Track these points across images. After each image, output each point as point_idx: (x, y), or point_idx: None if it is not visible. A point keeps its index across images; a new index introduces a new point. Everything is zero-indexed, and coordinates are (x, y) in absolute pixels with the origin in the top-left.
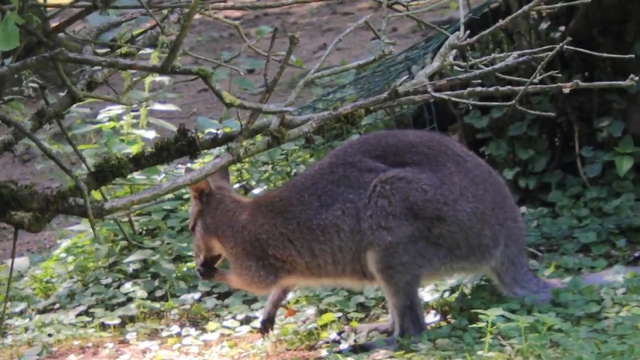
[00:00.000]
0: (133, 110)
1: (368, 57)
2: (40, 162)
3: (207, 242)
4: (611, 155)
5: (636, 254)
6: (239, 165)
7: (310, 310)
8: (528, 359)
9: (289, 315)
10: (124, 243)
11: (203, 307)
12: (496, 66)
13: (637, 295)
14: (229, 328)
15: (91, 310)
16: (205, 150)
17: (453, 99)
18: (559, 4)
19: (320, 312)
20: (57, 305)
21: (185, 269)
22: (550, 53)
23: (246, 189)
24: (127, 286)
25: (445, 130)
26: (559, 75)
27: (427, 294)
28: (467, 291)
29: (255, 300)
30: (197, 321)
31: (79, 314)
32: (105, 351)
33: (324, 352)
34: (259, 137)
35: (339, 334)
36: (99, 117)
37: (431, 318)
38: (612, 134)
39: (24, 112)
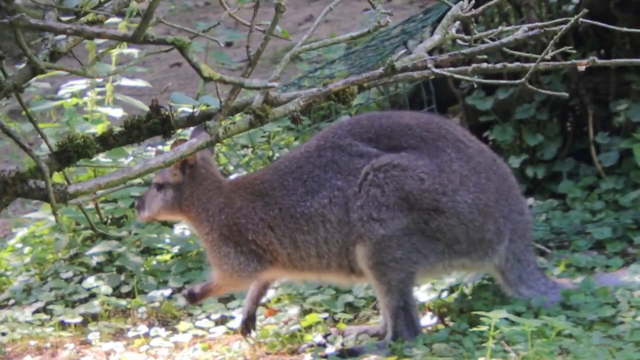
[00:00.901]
0: (98, 86)
1: (361, 29)
2: None
3: (171, 213)
4: (629, 142)
5: None
6: (215, 147)
7: (293, 310)
8: None
9: (269, 315)
10: (86, 233)
11: (174, 305)
12: (504, 40)
13: None
14: (202, 329)
15: (50, 307)
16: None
17: (455, 75)
18: None
19: (304, 312)
20: (11, 301)
21: (154, 262)
22: (564, 27)
23: (223, 175)
24: (90, 281)
25: (445, 112)
26: (573, 51)
27: (423, 293)
28: (467, 291)
29: (231, 298)
30: (167, 321)
31: (36, 311)
32: (64, 352)
33: (307, 357)
34: (238, 117)
35: (325, 336)
36: (60, 92)
37: (427, 320)
38: (630, 118)
39: None
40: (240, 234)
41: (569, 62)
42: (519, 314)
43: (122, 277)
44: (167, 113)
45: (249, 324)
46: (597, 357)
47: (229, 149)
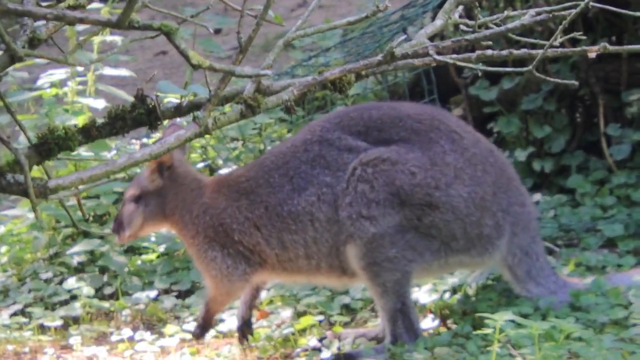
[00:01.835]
0: (79, 76)
1: (358, 15)
2: None
3: (155, 223)
4: None
5: None
6: (203, 140)
7: (287, 313)
8: None
9: (261, 317)
10: (67, 231)
11: (160, 308)
12: (509, 26)
13: None
14: (190, 332)
15: (28, 309)
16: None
17: (459, 63)
18: None
19: (298, 315)
20: None
21: (139, 262)
22: (573, 11)
23: (212, 169)
24: (71, 282)
25: (446, 103)
26: (583, 37)
27: (424, 294)
28: (470, 292)
29: None
30: (152, 324)
31: (14, 314)
32: (44, 358)
33: None
34: (227, 108)
35: (320, 340)
36: (39, 82)
37: (429, 323)
38: None
39: None
40: (226, 234)
41: (578, 49)
42: (525, 316)
43: (105, 278)
44: (153, 103)
45: (245, 330)
46: None
47: (217, 141)
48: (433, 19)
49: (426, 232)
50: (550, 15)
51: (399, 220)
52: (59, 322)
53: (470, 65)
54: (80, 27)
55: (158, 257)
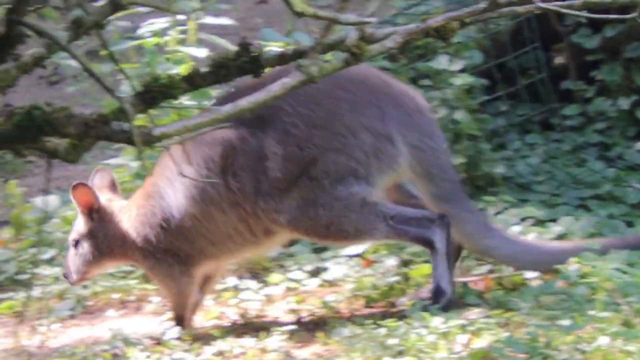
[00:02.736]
0: (180, 25)
1: None
2: (71, 84)
3: (97, 263)
4: None
5: None
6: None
7: (391, 261)
8: None
9: (366, 266)
10: None
11: (264, 256)
12: None
13: None
14: (295, 281)
15: None
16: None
17: (562, 10)
18: None
19: (404, 263)
20: None
21: None
22: None
23: None
24: None
25: (548, 51)
26: None
27: None
28: None
29: (325, 248)
30: (257, 272)
31: None
32: (149, 306)
33: (407, 310)
34: (329, 56)
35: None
36: (140, 31)
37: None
38: None
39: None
40: (150, 243)
41: None
42: (632, 265)
43: None
44: (256, 51)
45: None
46: None
47: None
48: None
49: (324, 179)
50: None
51: (298, 196)
52: None
53: (574, 12)
54: None
55: None
